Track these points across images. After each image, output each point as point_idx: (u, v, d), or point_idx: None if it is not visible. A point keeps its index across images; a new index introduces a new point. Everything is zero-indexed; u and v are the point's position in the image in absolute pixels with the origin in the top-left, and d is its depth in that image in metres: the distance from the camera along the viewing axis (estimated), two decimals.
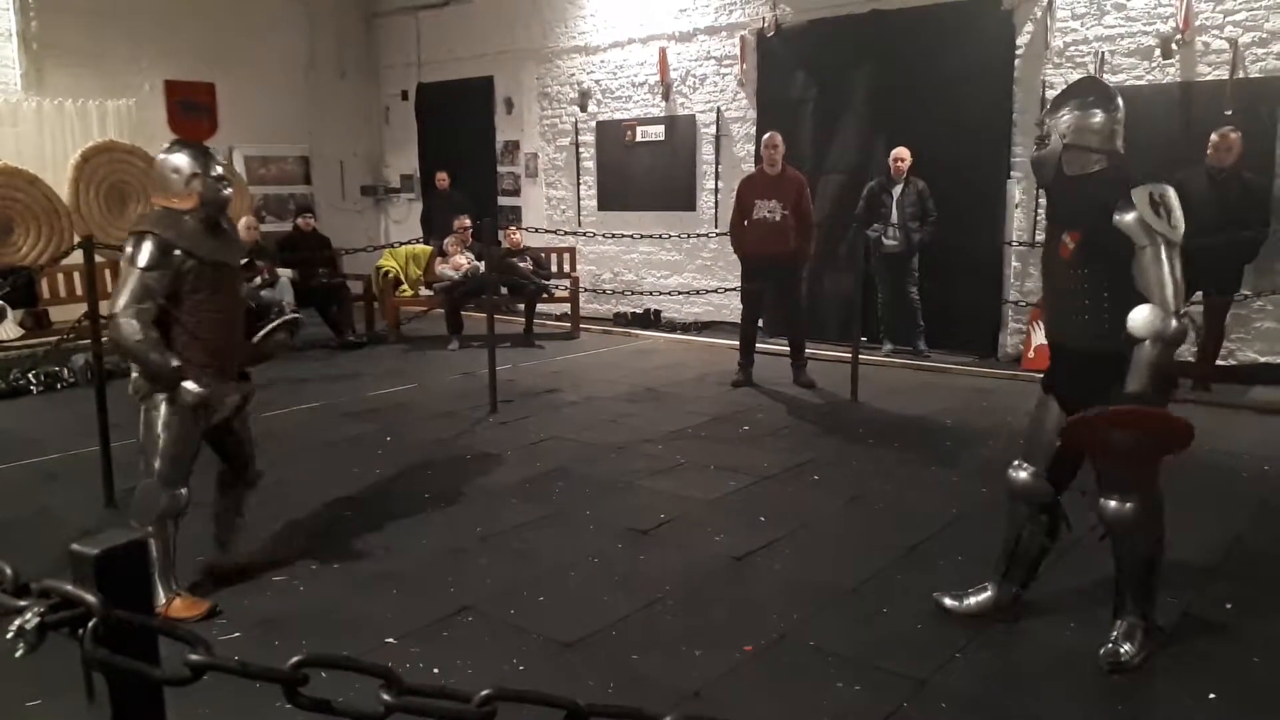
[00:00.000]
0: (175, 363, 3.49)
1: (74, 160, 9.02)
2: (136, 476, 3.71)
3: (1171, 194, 2.96)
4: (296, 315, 4.32)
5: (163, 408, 3.57)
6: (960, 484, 5.01)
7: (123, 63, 10.25)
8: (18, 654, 0.94)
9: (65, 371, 7.55)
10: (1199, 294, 6.66)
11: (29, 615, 0.95)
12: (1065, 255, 3.11)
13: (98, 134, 9.57)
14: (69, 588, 0.97)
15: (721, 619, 3.52)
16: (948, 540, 4.26)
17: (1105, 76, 7.45)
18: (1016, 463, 3.44)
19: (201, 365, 3.61)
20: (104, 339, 4.30)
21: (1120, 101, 3.11)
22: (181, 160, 3.66)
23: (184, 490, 3.67)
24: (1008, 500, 3.48)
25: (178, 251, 3.52)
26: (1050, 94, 7.72)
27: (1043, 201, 7.87)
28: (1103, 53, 7.48)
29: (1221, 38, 7.00)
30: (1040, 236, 7.88)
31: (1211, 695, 2.95)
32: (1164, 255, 2.91)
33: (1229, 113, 6.74)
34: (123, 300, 3.46)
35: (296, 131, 12.05)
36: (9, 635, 0.94)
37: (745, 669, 3.16)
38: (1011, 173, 8.04)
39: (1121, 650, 3.11)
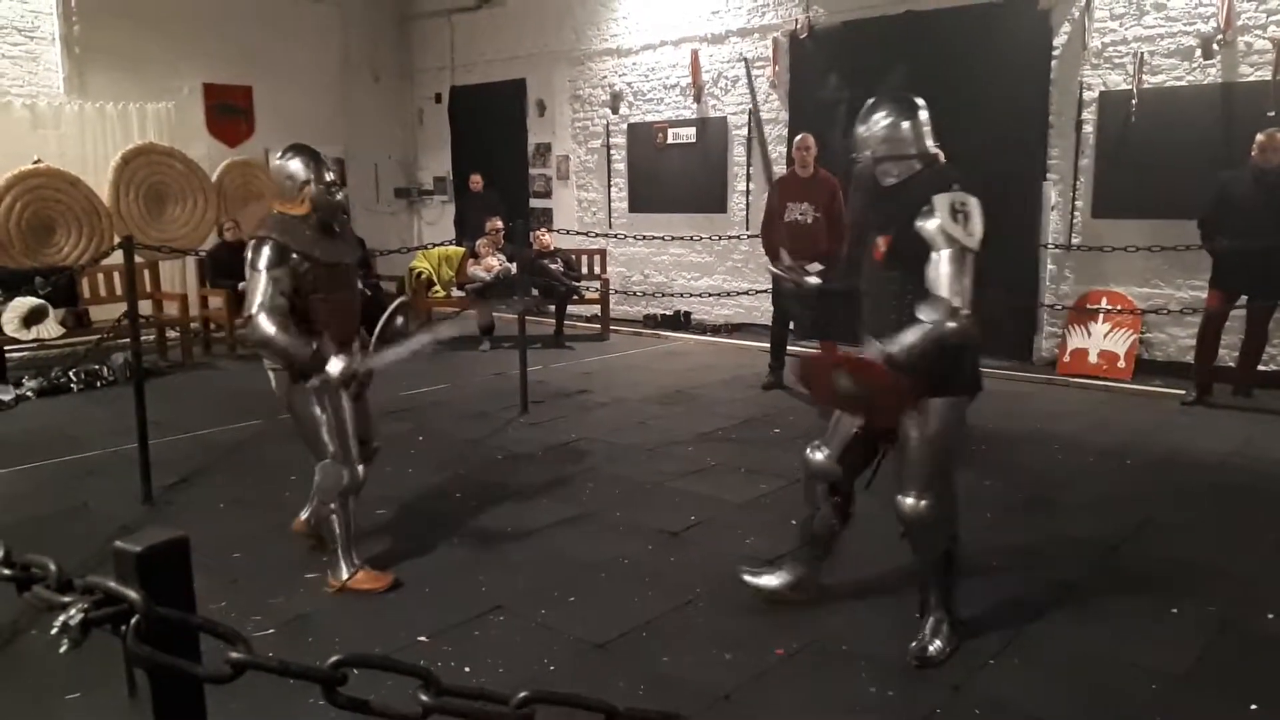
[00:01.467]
0: (313, 345, 3.66)
1: (114, 162, 9.17)
2: (309, 466, 3.92)
3: (974, 203, 3.02)
4: (405, 298, 4.41)
5: (311, 393, 3.77)
6: (994, 488, 4.95)
7: (162, 66, 10.41)
8: (62, 649, 0.95)
9: (105, 370, 7.68)
10: (1243, 298, 6.55)
11: (73, 612, 0.96)
12: (878, 258, 3.17)
13: (138, 136, 9.72)
14: (112, 585, 0.99)
15: (752, 622, 3.50)
16: (981, 545, 4.20)
17: (1144, 78, 7.35)
18: (815, 443, 3.52)
19: None
20: (144, 337, 4.36)
21: (922, 106, 3.19)
22: (295, 167, 3.82)
23: (361, 467, 3.87)
24: (804, 479, 3.58)
25: (294, 255, 3.69)
26: (1089, 95, 7.64)
27: (1080, 204, 7.79)
28: (1142, 53, 7.37)
29: (1264, 38, 6.88)
30: (1077, 239, 7.80)
31: (1253, 706, 2.89)
32: (958, 259, 2.96)
33: (1272, 114, 6.61)
34: (256, 301, 3.62)
35: (331, 134, 12.15)
36: (53, 631, 0.96)
37: (776, 672, 3.15)
38: (1048, 175, 7.94)
39: (930, 647, 3.18)
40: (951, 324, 2.93)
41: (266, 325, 3.60)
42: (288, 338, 3.62)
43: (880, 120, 3.18)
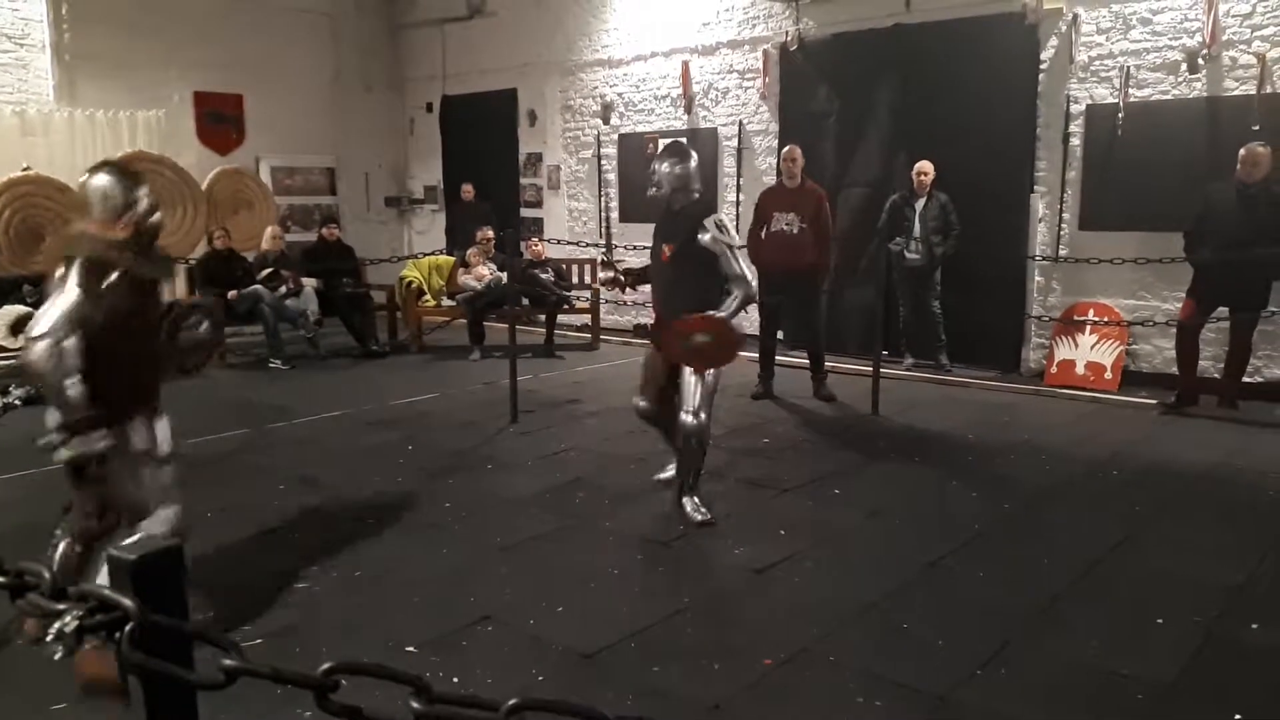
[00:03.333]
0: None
1: None
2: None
3: (727, 220, 4.72)
4: (206, 302, 3.97)
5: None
6: (981, 499, 4.98)
7: (153, 74, 10.40)
8: (56, 656, 0.96)
9: None
10: (1223, 310, 6.61)
11: (68, 619, 0.97)
12: (666, 259, 4.67)
13: (128, 144, 9.71)
14: (107, 592, 0.99)
15: (741, 632, 3.52)
16: (968, 555, 4.24)
17: (1130, 91, 7.42)
18: (636, 397, 4.96)
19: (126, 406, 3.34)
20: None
21: (696, 156, 4.77)
22: (111, 186, 3.36)
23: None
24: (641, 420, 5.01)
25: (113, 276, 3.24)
26: (1075, 109, 7.71)
27: (1067, 216, 7.85)
28: (1128, 67, 7.44)
29: (1249, 52, 6.95)
30: (1064, 251, 7.86)
31: (1237, 716, 2.92)
32: (733, 254, 4.54)
33: (1256, 127, 6.68)
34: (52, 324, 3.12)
35: (322, 143, 12.16)
36: (48, 638, 0.96)
37: (765, 683, 3.16)
38: (1035, 187, 8.00)
39: (702, 514, 4.62)
40: (750, 291, 4.56)
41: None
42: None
43: (671, 164, 4.67)
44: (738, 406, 7.18)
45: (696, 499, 4.71)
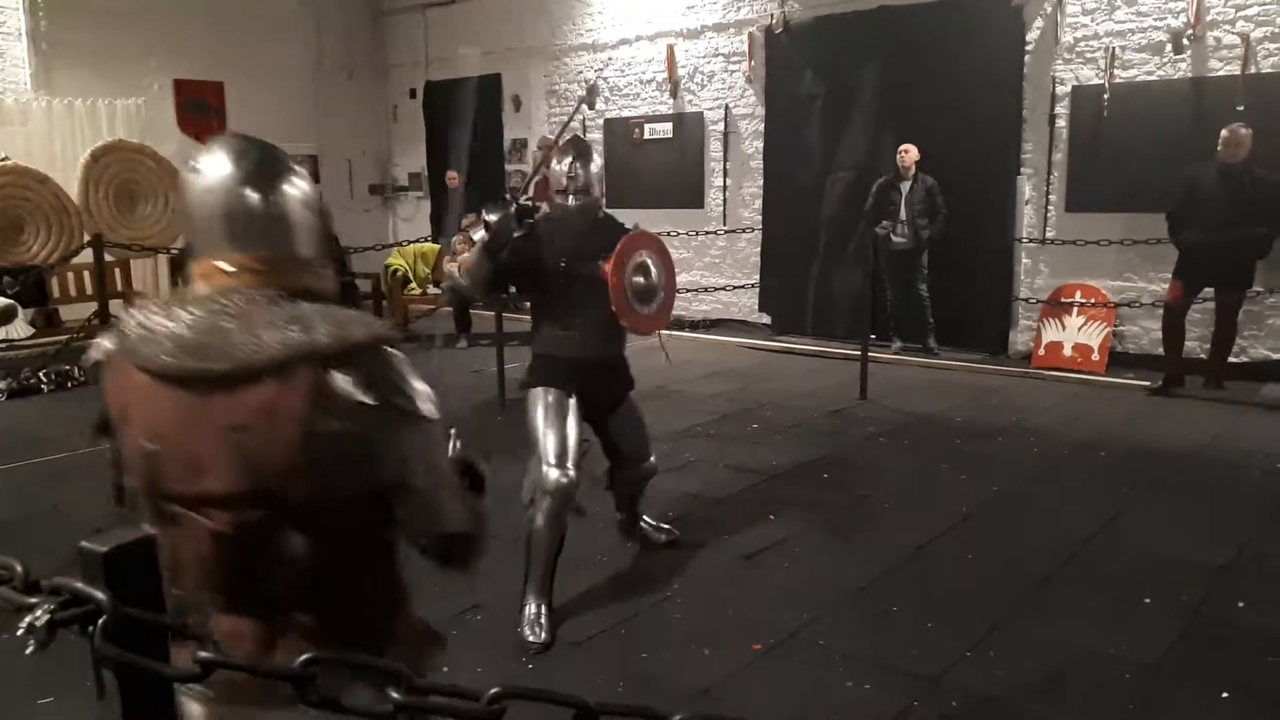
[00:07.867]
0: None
1: (83, 159, 9.03)
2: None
3: None
4: None
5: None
6: (970, 482, 4.99)
7: (132, 63, 10.27)
8: (28, 651, 0.94)
9: (76, 370, 7.57)
10: (1209, 290, 6.63)
11: (39, 613, 0.95)
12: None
13: (107, 133, 9.58)
14: (79, 585, 0.97)
15: (730, 617, 3.51)
16: (957, 539, 4.24)
17: (1116, 72, 7.42)
18: (551, 465, 3.49)
19: None
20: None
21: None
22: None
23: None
24: (554, 502, 3.47)
25: None
26: (1061, 90, 7.69)
27: (1054, 198, 7.85)
28: (1113, 48, 7.43)
29: (1233, 33, 6.95)
30: (1051, 233, 7.86)
31: (1224, 694, 2.93)
32: None
33: (1240, 108, 6.68)
34: None
35: (304, 131, 12.04)
36: (19, 632, 0.94)
37: (754, 667, 3.16)
38: (1021, 169, 8.00)
39: (665, 530, 4.21)
40: None
41: None
42: None
43: (591, 161, 3.55)
44: (727, 392, 7.18)
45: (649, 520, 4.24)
